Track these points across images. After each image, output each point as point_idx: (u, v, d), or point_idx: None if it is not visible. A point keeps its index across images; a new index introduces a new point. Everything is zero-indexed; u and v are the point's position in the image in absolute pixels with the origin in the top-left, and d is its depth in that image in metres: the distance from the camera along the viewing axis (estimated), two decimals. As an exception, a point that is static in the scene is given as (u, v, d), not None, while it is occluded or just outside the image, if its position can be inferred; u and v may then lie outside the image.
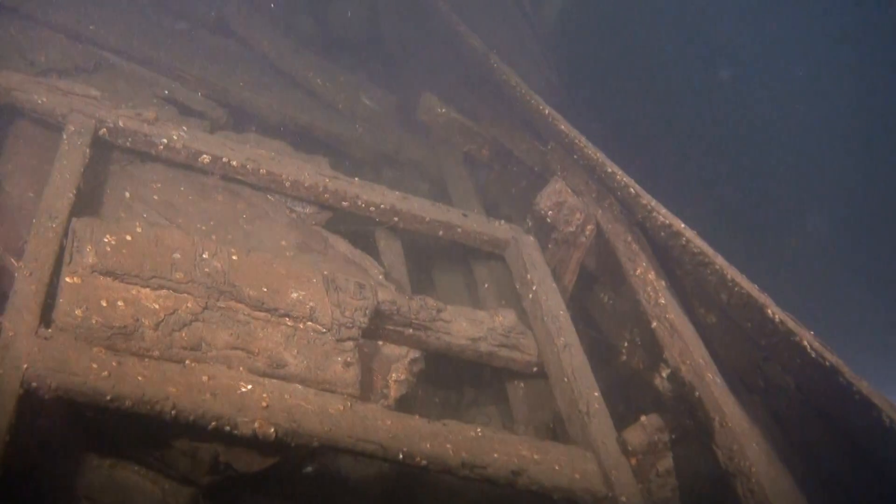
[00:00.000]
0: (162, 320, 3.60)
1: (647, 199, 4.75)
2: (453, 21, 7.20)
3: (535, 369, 4.62)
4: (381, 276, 4.84)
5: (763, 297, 4.04)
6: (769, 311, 3.92)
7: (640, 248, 4.79)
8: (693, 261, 4.44)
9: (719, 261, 4.30)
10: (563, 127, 5.39)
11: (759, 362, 4.23)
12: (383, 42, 9.31)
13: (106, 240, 3.70)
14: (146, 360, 3.37)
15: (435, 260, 5.91)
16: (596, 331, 5.33)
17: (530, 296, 4.83)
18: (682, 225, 4.55)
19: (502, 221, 5.41)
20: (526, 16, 8.75)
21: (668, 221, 4.58)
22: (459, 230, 5.16)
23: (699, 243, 4.43)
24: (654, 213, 4.65)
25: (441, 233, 5.15)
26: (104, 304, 3.51)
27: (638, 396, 4.71)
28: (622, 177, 4.90)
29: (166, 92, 5.89)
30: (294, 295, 3.99)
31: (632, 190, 4.82)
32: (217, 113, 5.98)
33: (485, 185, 6.87)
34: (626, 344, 5.01)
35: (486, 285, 5.48)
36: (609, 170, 4.97)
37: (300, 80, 7.46)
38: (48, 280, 3.48)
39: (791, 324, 3.82)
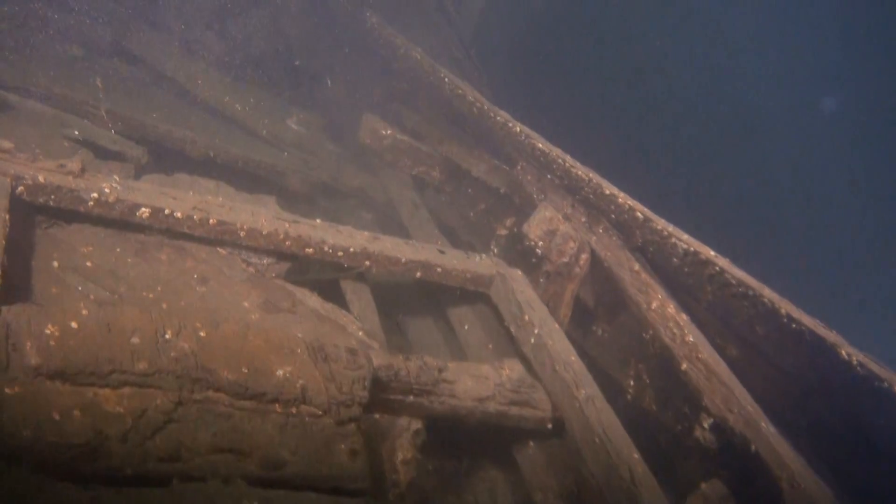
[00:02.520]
0: (130, 427, 2.92)
1: (662, 224, 4.28)
2: (387, 33, 6.62)
3: (549, 426, 4.06)
4: (360, 333, 4.23)
5: (832, 336, 3.60)
6: (843, 353, 3.47)
7: (649, 277, 4.30)
8: (726, 292, 3.97)
9: (767, 293, 3.85)
10: (541, 146, 4.88)
11: (800, 399, 3.80)
12: (294, 57, 8.62)
13: (48, 331, 2.99)
14: (122, 490, 2.67)
15: (398, 301, 5.31)
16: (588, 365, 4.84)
17: (532, 340, 4.28)
18: (713, 252, 4.08)
19: (483, 256, 4.86)
20: (448, 18, 8.22)
21: (693, 248, 4.11)
22: (439, 270, 4.58)
23: (738, 273, 3.97)
24: (674, 240, 4.17)
25: (419, 274, 4.56)
26: (56, 416, 2.80)
27: (658, 442, 4.24)
28: (625, 199, 4.41)
29: (76, 132, 5.11)
30: (280, 373, 3.35)
31: (639, 214, 4.33)
32: (137, 152, 5.24)
33: (436, 208, 6.29)
34: (631, 382, 4.52)
35: (466, 327, 4.91)
36: (607, 192, 4.48)
37: (216, 105, 6.77)
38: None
39: (874, 366, 3.38)
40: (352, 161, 6.85)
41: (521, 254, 5.15)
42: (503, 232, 5.70)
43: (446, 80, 5.93)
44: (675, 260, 4.25)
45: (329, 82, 8.30)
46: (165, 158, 5.59)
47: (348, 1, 8.26)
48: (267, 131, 6.69)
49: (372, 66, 7.70)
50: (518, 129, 5.16)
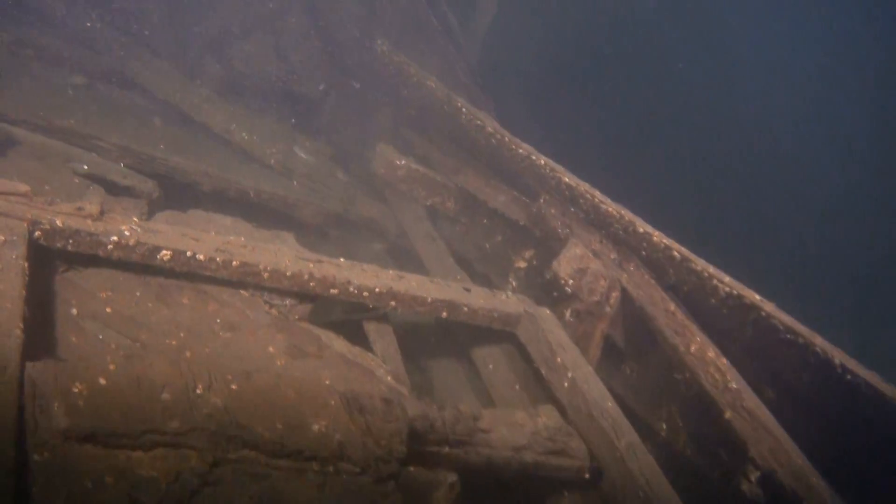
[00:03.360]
0: (164, 493, 2.77)
1: (702, 265, 4.17)
2: (398, 61, 6.50)
3: (586, 476, 3.93)
4: (389, 378, 4.10)
5: (891, 390, 3.49)
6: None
7: (686, 318, 4.18)
8: (772, 337, 3.86)
9: (819, 341, 3.73)
10: (567, 180, 4.77)
11: (848, 451, 3.68)
12: (296, 82, 8.50)
13: (76, 390, 2.85)
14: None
15: (418, 339, 5.18)
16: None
17: (566, 384, 4.15)
18: (758, 296, 3.97)
19: (509, 293, 4.73)
20: (455, 42, 8.12)
21: (736, 291, 4.00)
22: (465, 309, 4.45)
23: (786, 319, 3.85)
24: (715, 282, 4.06)
25: (445, 313, 4.43)
26: (89, 484, 2.66)
27: (693, 487, 4.11)
28: (660, 238, 4.29)
29: (85, 167, 4.96)
30: (315, 427, 3.22)
31: (675, 254, 4.22)
32: (147, 186, 5.09)
33: (450, 239, 6.17)
34: (663, 424, 4.40)
35: (491, 366, 4.79)
36: (641, 230, 4.37)
37: (222, 133, 6.64)
38: (11, 464, 2.59)
39: None
40: (363, 190, 6.73)
41: (542, 288, 5.03)
42: (522, 264, 5.58)
43: (463, 110, 5.82)
44: (712, 300, 4.14)
45: (335, 109, 8.18)
46: (175, 191, 5.44)
47: (355, 27, 8.17)
48: (275, 160, 6.55)
49: (379, 92, 7.59)
50: (542, 161, 5.06)
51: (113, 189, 4.95)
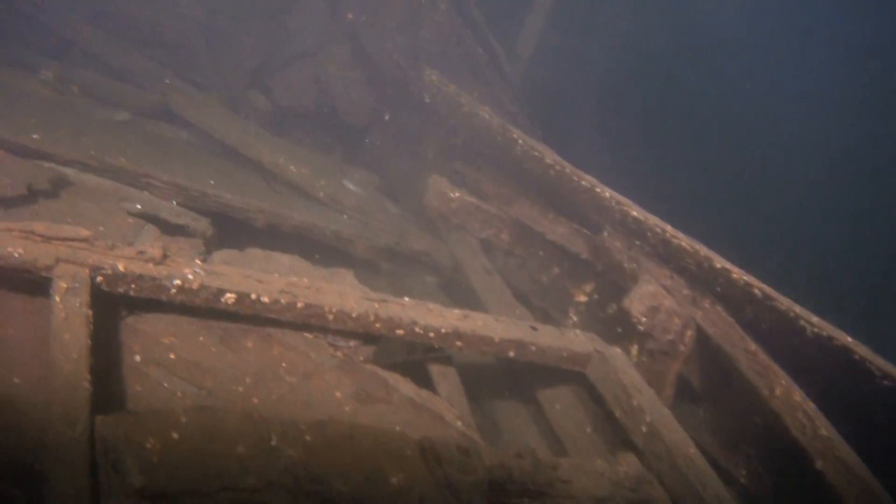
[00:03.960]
0: (244, 555, 2.65)
1: (786, 304, 4.00)
2: (449, 91, 6.40)
3: (670, 528, 3.75)
4: (459, 423, 3.95)
5: None
6: None
7: (768, 359, 4.01)
8: (867, 380, 3.67)
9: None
10: (635, 213, 4.62)
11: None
12: (340, 112, 8.44)
13: (149, 445, 2.73)
14: None
15: (478, 377, 5.03)
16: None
17: (644, 429, 3.98)
18: (850, 338, 3.79)
19: (577, 331, 4.57)
20: (501, 71, 8.02)
21: (826, 333, 3.82)
22: (533, 349, 4.30)
23: (882, 364, 3.67)
24: (802, 323, 3.88)
25: (512, 353, 4.29)
26: (167, 549, 2.54)
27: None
28: (739, 275, 4.13)
29: (138, 206, 4.90)
30: (394, 480, 3.09)
31: (756, 291, 4.05)
32: (201, 225, 5.02)
33: (505, 272, 6.03)
34: (742, 470, 4.22)
35: (558, 407, 4.63)
36: (718, 265, 4.21)
37: (270, 166, 6.54)
38: (88, 526, 2.48)
39: None
40: (414, 222, 6.61)
41: (605, 323, 4.89)
42: (582, 298, 5.44)
43: (520, 141, 5.70)
44: (796, 340, 3.97)
45: (380, 139, 8.10)
46: (228, 227, 5.36)
47: (398, 55, 8.10)
48: (324, 193, 6.46)
49: (425, 120, 7.50)
50: (608, 194, 4.92)
51: (167, 228, 4.88)
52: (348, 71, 8.59)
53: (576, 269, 5.53)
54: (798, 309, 4.02)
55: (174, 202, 5.23)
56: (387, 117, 8.29)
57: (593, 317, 5.28)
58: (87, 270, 3.45)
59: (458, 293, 6.11)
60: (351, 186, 6.62)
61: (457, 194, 5.95)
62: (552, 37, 9.09)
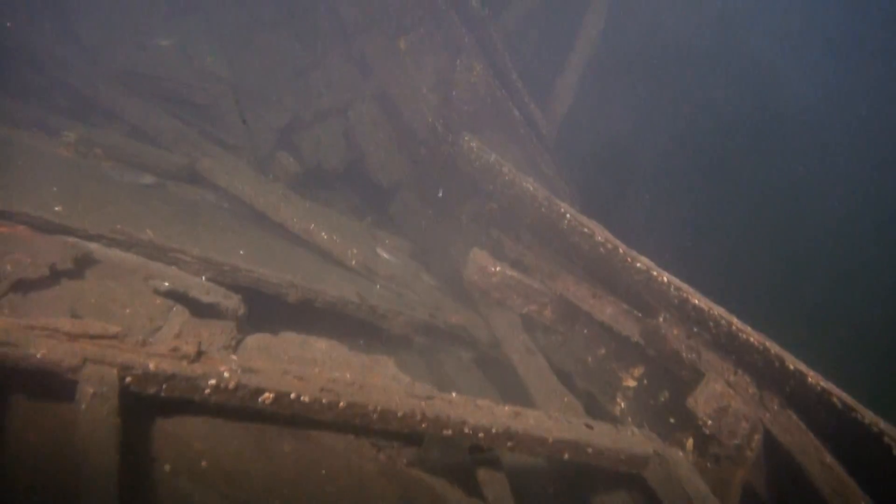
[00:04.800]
0: None
1: (870, 417, 3.68)
2: (490, 160, 6.15)
3: None
4: (512, 537, 3.63)
5: None
6: None
7: (845, 474, 3.68)
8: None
9: None
10: (696, 302, 4.33)
11: None
12: (368, 172, 8.22)
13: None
14: None
15: (519, 474, 4.71)
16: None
17: (712, 542, 3.65)
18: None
19: (634, 429, 4.25)
20: (537, 132, 7.79)
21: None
22: (589, 450, 3.99)
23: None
24: (886, 440, 3.56)
25: (567, 455, 3.98)
26: None
27: None
28: (816, 379, 3.82)
29: (166, 284, 4.63)
30: None
31: (835, 401, 3.73)
32: (232, 303, 4.75)
33: (546, 349, 5.73)
34: None
35: (615, 511, 4.31)
36: (791, 367, 3.90)
37: (300, 232, 6.31)
38: None
39: None
40: (447, 290, 6.35)
41: (655, 412, 4.58)
42: (631, 383, 5.14)
43: (567, 216, 5.43)
44: (880, 460, 3.64)
45: (411, 200, 7.87)
46: (258, 304, 5.09)
47: (429, 114, 7.89)
48: (356, 261, 6.20)
49: (460, 184, 7.26)
50: (664, 279, 4.64)
51: (196, 308, 4.61)
52: (378, 130, 8.39)
53: (624, 351, 5.25)
54: (883, 424, 3.70)
55: (203, 278, 4.97)
56: (410, 180, 8.07)
57: (643, 403, 4.98)
58: (115, 371, 3.19)
59: (496, 369, 5.83)
60: (385, 255, 6.37)
61: (498, 268, 5.68)
62: (585, 98, 8.86)
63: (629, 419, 4.75)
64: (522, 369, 5.27)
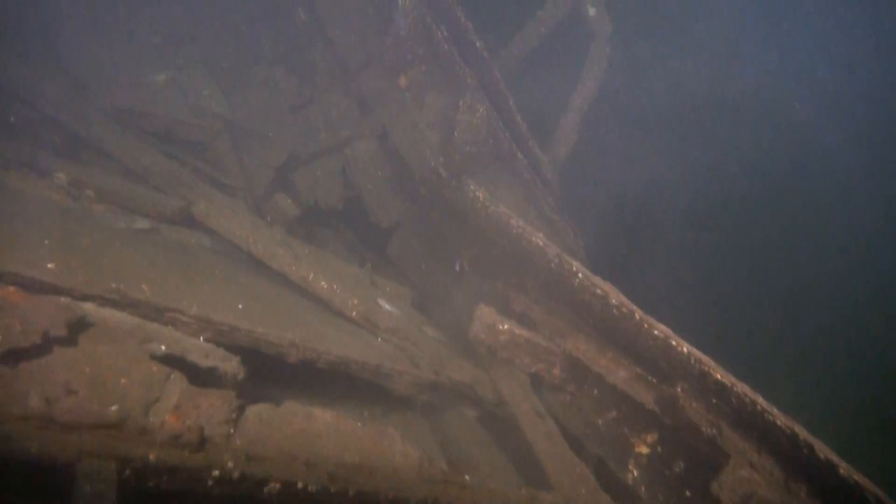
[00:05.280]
0: None
1: None
2: (497, 212, 5.97)
3: None
4: None
5: None
6: None
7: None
8: None
9: None
10: (719, 377, 4.15)
11: None
12: (366, 212, 8.05)
13: None
14: None
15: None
16: None
17: None
18: None
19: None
20: (542, 177, 7.63)
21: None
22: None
23: None
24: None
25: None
26: None
27: None
28: (847, 472, 3.64)
29: (163, 348, 4.41)
30: None
31: (869, 497, 3.55)
32: (231, 366, 4.55)
33: (554, 408, 5.55)
34: None
35: None
36: (822, 456, 3.72)
37: (299, 281, 6.12)
38: None
39: None
40: (452, 345, 6.15)
41: (669, 482, 4.40)
42: (644, 450, 4.96)
43: (579, 275, 5.26)
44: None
45: (410, 242, 7.69)
46: (256, 364, 4.89)
47: (430, 155, 7.73)
48: (357, 313, 6.02)
49: (463, 228, 7.08)
50: (684, 349, 4.47)
51: (195, 374, 4.41)
52: (376, 168, 8.22)
53: (636, 415, 5.07)
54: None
55: (202, 338, 4.77)
56: (410, 221, 7.90)
57: (657, 472, 4.80)
58: (113, 465, 2.98)
59: (501, 429, 5.64)
60: (386, 306, 6.18)
61: (506, 326, 5.50)
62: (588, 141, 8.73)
63: (642, 488, 4.55)
64: (532, 434, 5.08)
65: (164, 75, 8.09)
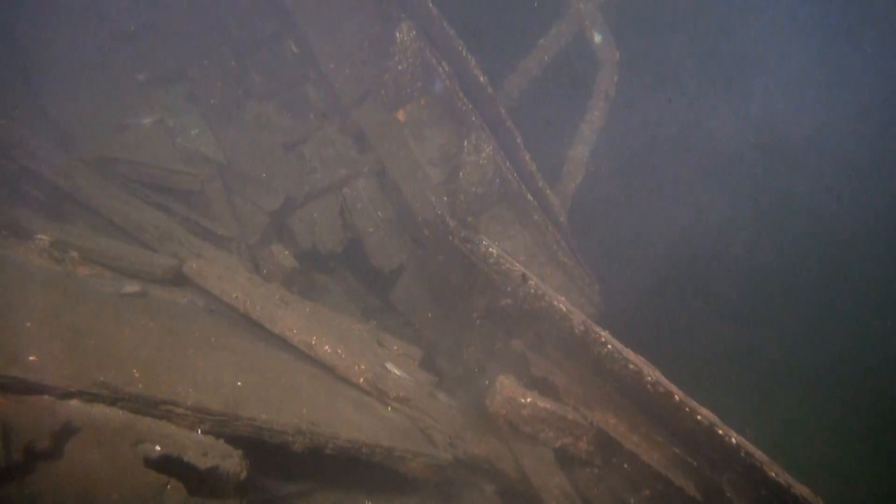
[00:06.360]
0: None
1: None
2: (514, 270, 5.58)
3: None
4: None
5: None
6: None
7: None
8: None
9: None
10: (773, 475, 3.78)
11: None
12: (367, 255, 7.66)
13: None
14: None
15: None
16: None
17: None
18: None
19: None
20: (555, 220, 7.24)
21: None
22: None
23: None
24: None
25: None
26: None
27: None
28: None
29: (157, 448, 4.01)
30: None
31: None
32: (233, 464, 4.17)
33: (581, 482, 5.16)
34: None
35: None
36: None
37: (302, 346, 5.73)
38: None
39: None
40: (465, 411, 5.75)
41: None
42: (681, 533, 4.57)
43: (609, 346, 4.86)
44: None
45: (414, 287, 7.31)
46: (260, 457, 4.49)
47: (432, 195, 7.34)
48: (364, 379, 5.63)
49: (470, 276, 6.69)
50: (733, 440, 4.07)
51: (193, 476, 4.01)
52: (376, 209, 7.83)
53: (671, 494, 4.67)
54: None
55: (199, 431, 4.36)
56: (413, 264, 7.52)
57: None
58: None
59: (523, 504, 5.26)
60: (395, 371, 5.78)
61: (528, 400, 5.10)
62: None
63: None
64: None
65: (151, 118, 7.67)
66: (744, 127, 9.99)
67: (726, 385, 8.34)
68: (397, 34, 7.47)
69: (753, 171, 9.95)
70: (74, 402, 4.11)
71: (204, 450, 4.20)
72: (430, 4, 7.52)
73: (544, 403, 5.14)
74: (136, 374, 4.48)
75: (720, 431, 4.21)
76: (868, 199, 10.34)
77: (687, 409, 4.38)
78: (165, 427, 4.27)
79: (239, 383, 4.93)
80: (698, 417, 4.31)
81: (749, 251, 9.73)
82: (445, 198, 7.44)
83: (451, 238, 6.58)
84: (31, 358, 4.20)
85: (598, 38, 8.38)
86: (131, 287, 5.77)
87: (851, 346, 9.39)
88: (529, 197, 6.92)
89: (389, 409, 5.54)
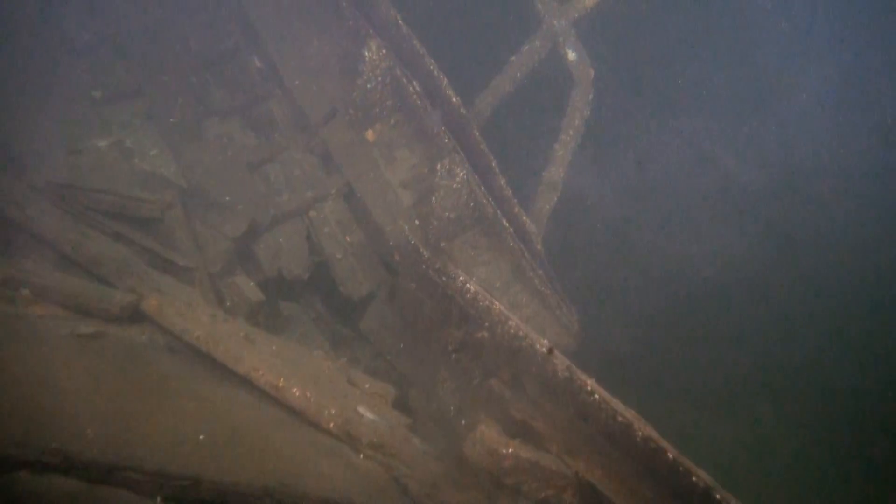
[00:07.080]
0: None
1: None
2: (494, 310, 5.33)
3: None
4: None
5: None
6: None
7: None
8: None
9: None
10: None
11: None
12: (336, 282, 7.37)
13: None
14: None
15: None
16: None
17: None
18: None
19: None
20: (532, 249, 7.00)
21: None
22: None
23: None
24: None
25: None
26: None
27: None
28: None
29: (116, 524, 3.71)
30: None
31: None
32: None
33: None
34: None
35: None
36: None
37: (268, 389, 5.42)
38: None
39: None
40: (441, 456, 5.49)
41: None
42: (675, 591, 4.34)
43: (595, 395, 4.62)
44: None
45: (384, 317, 7.04)
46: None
47: (403, 219, 7.08)
48: (334, 424, 5.36)
49: (444, 307, 6.43)
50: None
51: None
52: (345, 232, 7.54)
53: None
54: None
55: (159, 499, 4.05)
56: (383, 292, 7.26)
57: None
58: None
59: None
60: (367, 414, 5.50)
61: (510, 450, 4.85)
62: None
63: None
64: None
65: (107, 141, 7.31)
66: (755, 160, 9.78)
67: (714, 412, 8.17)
68: (366, 52, 7.19)
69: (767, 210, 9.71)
70: (23, 475, 3.79)
71: (167, 522, 3.91)
72: (400, 22, 7.25)
73: (527, 454, 4.89)
74: (90, 433, 4.17)
75: (718, 496, 3.99)
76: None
77: (681, 468, 4.15)
78: (124, 495, 3.98)
79: (201, 437, 4.64)
80: (693, 479, 4.08)
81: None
82: (417, 222, 7.18)
83: (424, 268, 6.31)
84: (-27, 421, 3.88)
85: (571, 56, 8.15)
86: (86, 328, 5.45)
87: (866, 397, 9.14)
88: (505, 222, 6.67)
89: (362, 455, 5.27)
